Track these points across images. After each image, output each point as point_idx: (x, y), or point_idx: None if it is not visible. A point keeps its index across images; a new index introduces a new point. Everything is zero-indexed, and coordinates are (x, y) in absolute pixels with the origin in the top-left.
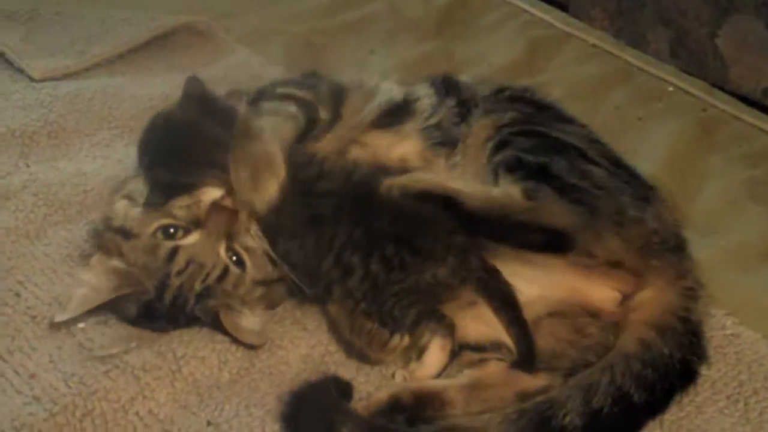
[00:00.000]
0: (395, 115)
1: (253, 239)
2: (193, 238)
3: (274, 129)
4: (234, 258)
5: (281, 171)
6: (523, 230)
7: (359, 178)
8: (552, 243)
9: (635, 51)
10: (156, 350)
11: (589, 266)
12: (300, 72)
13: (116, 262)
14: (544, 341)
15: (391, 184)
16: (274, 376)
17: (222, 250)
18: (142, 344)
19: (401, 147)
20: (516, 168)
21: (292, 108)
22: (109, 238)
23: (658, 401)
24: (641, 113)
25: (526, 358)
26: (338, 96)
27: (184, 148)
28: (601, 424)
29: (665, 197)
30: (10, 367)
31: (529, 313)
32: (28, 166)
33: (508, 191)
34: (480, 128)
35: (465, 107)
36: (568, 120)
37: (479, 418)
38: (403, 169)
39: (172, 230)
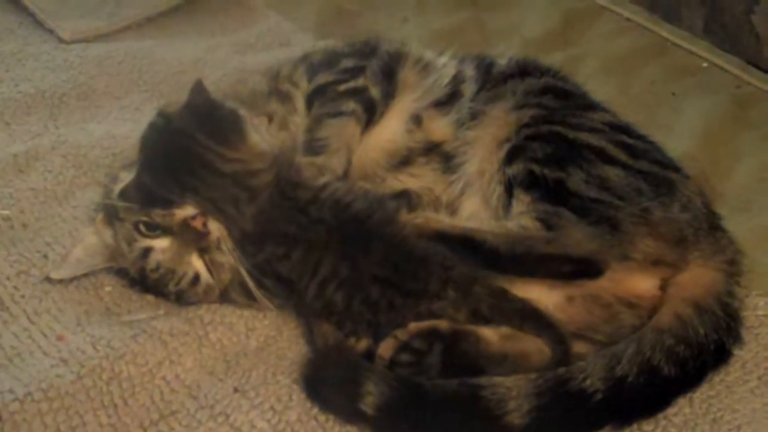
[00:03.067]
0: (449, 96)
1: (223, 255)
2: (165, 243)
3: (338, 136)
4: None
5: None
6: (549, 262)
7: (353, 213)
8: (580, 271)
9: (669, 26)
10: (183, 317)
11: (627, 266)
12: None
13: (109, 235)
14: (578, 314)
15: (406, 222)
16: (301, 344)
17: (194, 260)
18: (169, 311)
19: (443, 129)
20: (531, 186)
21: (352, 104)
22: (109, 205)
23: (689, 378)
24: (675, 89)
25: (562, 358)
26: (390, 72)
27: (172, 163)
28: (626, 393)
29: (694, 173)
30: (37, 329)
31: (560, 293)
32: (57, 127)
33: (524, 224)
34: (503, 124)
35: (491, 92)
36: (592, 107)
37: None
38: (404, 194)
39: (154, 225)
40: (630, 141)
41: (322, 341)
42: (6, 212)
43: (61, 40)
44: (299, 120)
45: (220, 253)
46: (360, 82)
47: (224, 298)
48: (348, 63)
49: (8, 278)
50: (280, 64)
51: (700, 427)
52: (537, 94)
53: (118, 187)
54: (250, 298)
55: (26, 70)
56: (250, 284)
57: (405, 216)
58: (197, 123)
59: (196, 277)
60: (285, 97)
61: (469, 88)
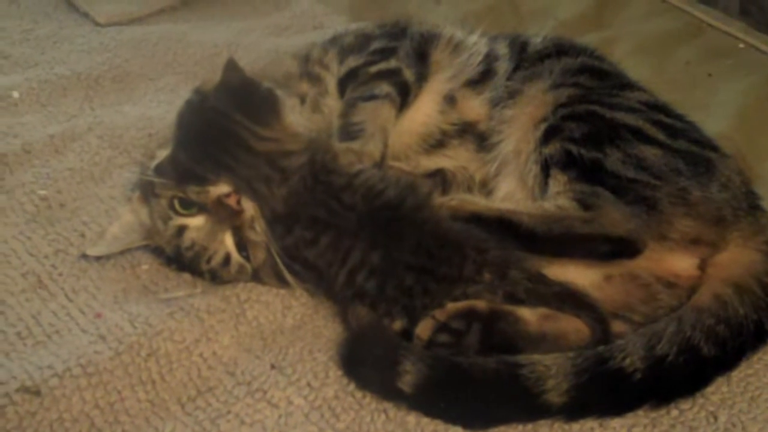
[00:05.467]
0: (482, 74)
1: (256, 234)
2: (200, 221)
3: (373, 120)
4: (241, 246)
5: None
6: (587, 243)
7: (385, 200)
8: (618, 251)
9: (705, 7)
10: (220, 295)
11: (666, 245)
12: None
13: (145, 213)
14: (616, 293)
15: (441, 204)
16: (337, 322)
17: (227, 238)
18: (206, 289)
19: (477, 109)
20: (568, 165)
21: (385, 87)
22: (145, 183)
23: (728, 358)
24: (711, 70)
25: (601, 337)
26: (423, 53)
27: (207, 140)
28: (665, 372)
29: (732, 153)
30: (75, 307)
31: (598, 272)
32: (92, 109)
33: (561, 204)
34: (540, 104)
35: (528, 71)
36: (629, 86)
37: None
38: (438, 173)
39: (189, 201)
40: (668, 120)
41: (356, 322)
42: (43, 192)
43: (96, 24)
44: (332, 102)
45: (253, 232)
46: (392, 63)
47: (256, 279)
48: (378, 44)
49: (46, 257)
50: (310, 46)
51: (737, 406)
52: (574, 74)
53: (154, 164)
54: (280, 281)
55: (62, 52)
56: (281, 266)
57: (439, 198)
58: (232, 101)
59: (227, 257)
60: (316, 79)
61: (502, 67)
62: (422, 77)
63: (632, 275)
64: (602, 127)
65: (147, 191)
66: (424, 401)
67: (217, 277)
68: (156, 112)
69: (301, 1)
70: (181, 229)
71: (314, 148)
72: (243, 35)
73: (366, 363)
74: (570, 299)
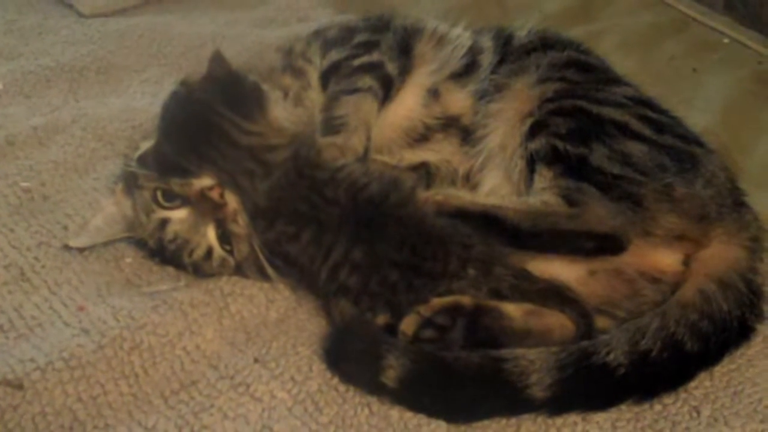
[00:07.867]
0: (466, 67)
1: (239, 227)
2: (182, 213)
3: (356, 113)
4: (224, 239)
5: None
6: (572, 239)
7: (368, 196)
8: (603, 247)
9: (690, 1)
10: (204, 288)
11: (650, 241)
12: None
13: (128, 206)
14: (600, 288)
15: (426, 199)
16: (321, 316)
17: (210, 231)
18: (190, 282)
19: (461, 102)
20: (554, 161)
21: (368, 80)
22: (129, 175)
23: (711, 353)
24: (696, 64)
25: (586, 332)
26: (406, 46)
27: (192, 133)
28: (649, 367)
29: (717, 149)
30: (58, 299)
31: (582, 267)
32: (77, 101)
33: (546, 200)
34: (526, 99)
35: (514, 65)
36: (615, 81)
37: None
38: (422, 166)
39: (172, 193)
40: (653, 115)
41: (340, 316)
42: (26, 184)
43: (80, 15)
44: (314, 96)
45: (236, 226)
46: (375, 56)
47: (239, 272)
48: (361, 38)
49: (29, 249)
50: (293, 40)
51: (720, 401)
52: (560, 68)
53: (137, 156)
54: (262, 275)
55: (46, 44)
56: (263, 260)
57: (424, 193)
58: (218, 94)
59: (210, 250)
60: (299, 73)
61: (486, 59)
62: (405, 70)
63: (617, 271)
64: (588, 123)
65: (130, 183)
66: (407, 395)
67: (199, 270)
68: (140, 103)
69: None
70: (164, 222)
71: (298, 142)
72: (228, 27)
73: (350, 357)
74: (554, 295)
